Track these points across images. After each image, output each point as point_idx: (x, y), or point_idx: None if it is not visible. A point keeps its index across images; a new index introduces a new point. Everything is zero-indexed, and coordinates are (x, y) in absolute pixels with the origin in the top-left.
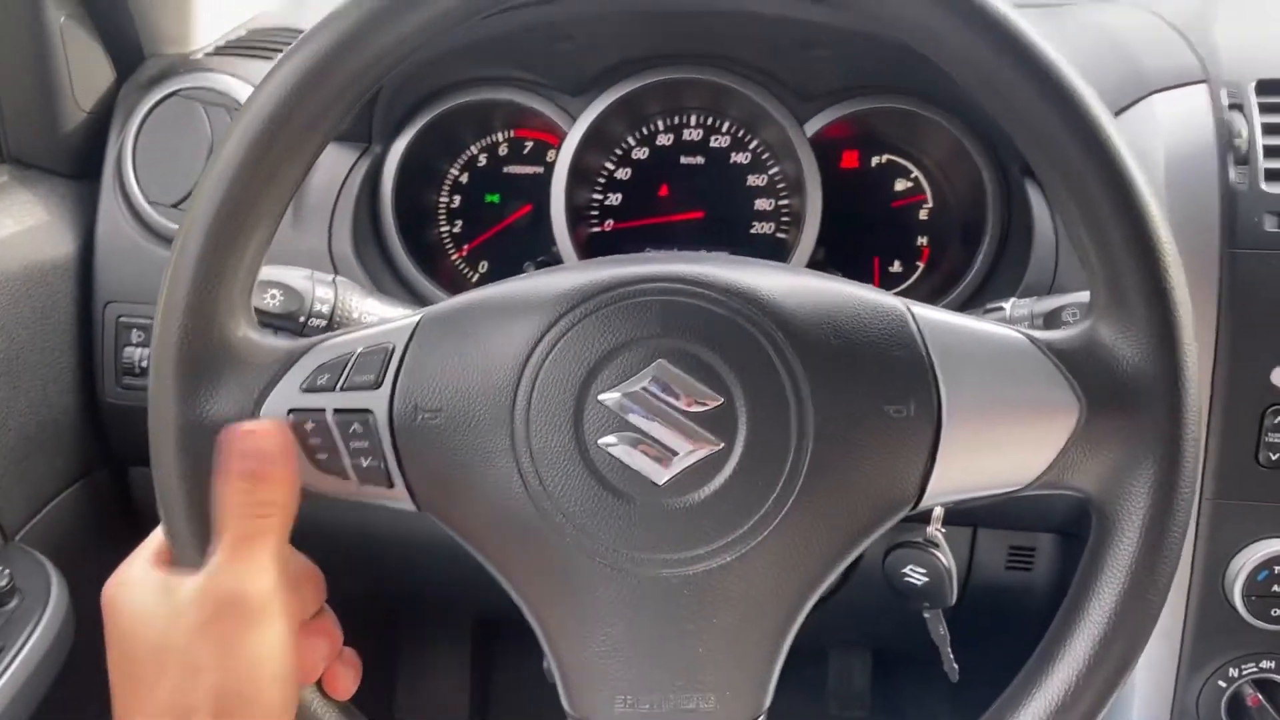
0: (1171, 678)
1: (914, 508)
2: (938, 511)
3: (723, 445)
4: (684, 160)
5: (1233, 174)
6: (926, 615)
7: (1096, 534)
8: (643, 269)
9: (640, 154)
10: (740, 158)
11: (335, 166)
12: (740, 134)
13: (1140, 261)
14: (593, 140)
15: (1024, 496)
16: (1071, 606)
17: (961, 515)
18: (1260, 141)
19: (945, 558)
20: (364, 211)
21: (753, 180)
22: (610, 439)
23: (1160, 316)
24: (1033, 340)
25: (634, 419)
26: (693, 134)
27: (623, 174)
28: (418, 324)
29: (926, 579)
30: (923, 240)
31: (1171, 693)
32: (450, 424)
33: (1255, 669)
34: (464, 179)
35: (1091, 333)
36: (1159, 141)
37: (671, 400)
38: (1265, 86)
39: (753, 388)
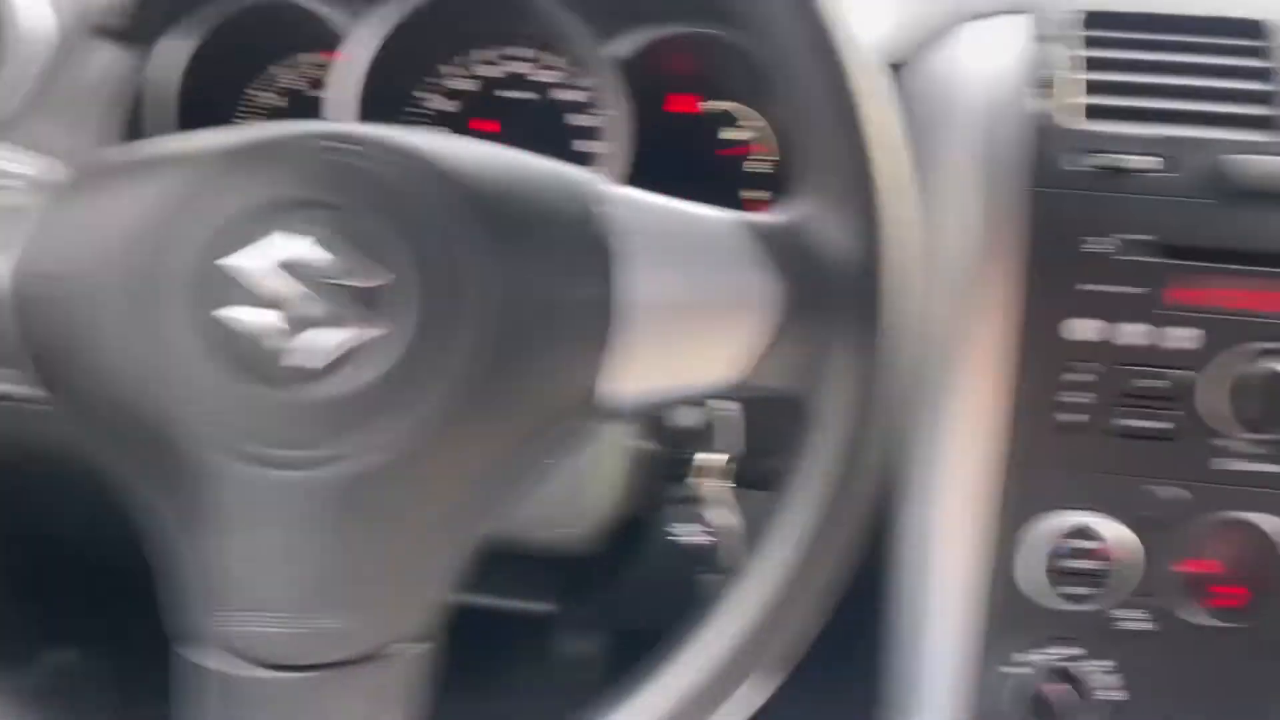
0: (966, 664)
1: (605, 409)
2: (711, 461)
3: (387, 330)
4: (507, 95)
5: (1043, 108)
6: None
7: (798, 437)
8: (301, 127)
9: (455, 84)
10: (568, 95)
11: (112, 66)
12: (556, 64)
13: (842, 134)
14: (385, 63)
15: None
16: (773, 515)
17: None
18: (1081, 76)
19: (723, 515)
20: (137, 119)
21: (576, 120)
22: (241, 312)
23: (862, 193)
24: (742, 222)
25: (274, 290)
26: (514, 66)
27: (439, 104)
28: (61, 183)
29: (709, 537)
30: (762, 195)
31: (967, 680)
32: (75, 294)
33: (1058, 655)
34: (269, 102)
35: (798, 213)
36: (969, 70)
37: (324, 272)
38: (1095, 19)
39: (425, 263)
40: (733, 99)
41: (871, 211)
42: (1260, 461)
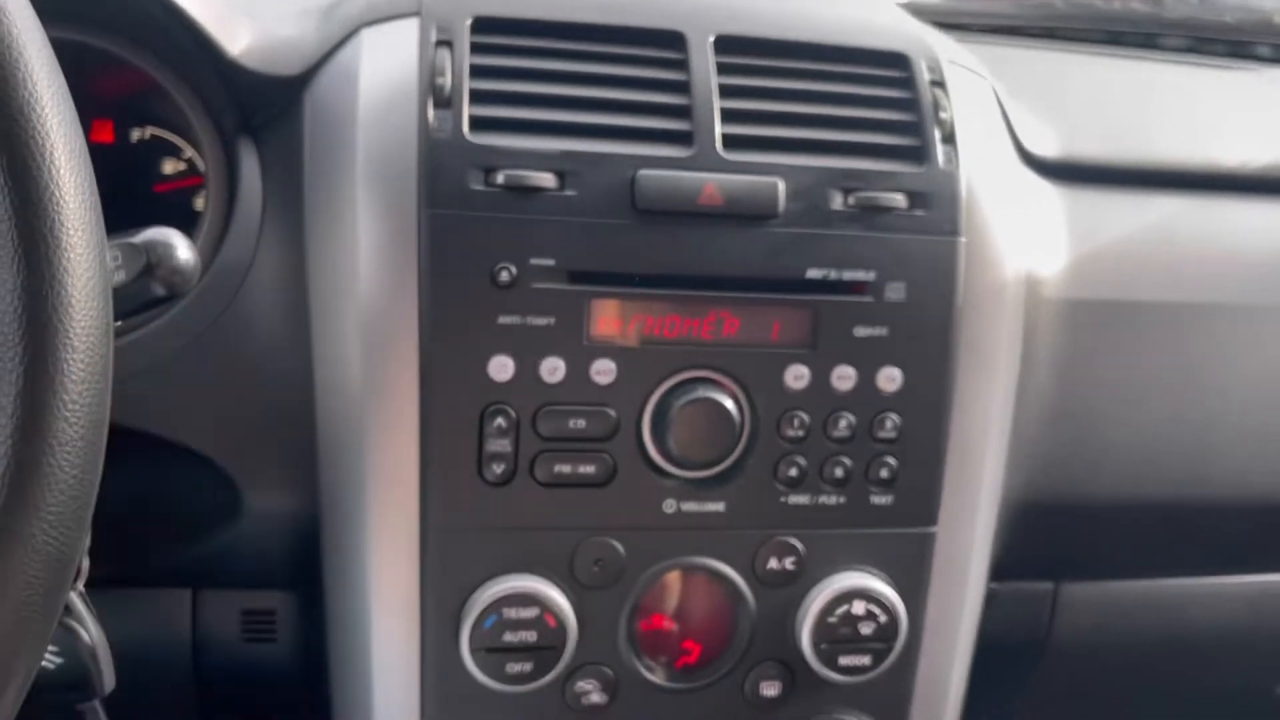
0: None
1: None
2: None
3: None
4: None
5: (434, 120)
6: (80, 709)
7: None
8: None
9: None
10: None
11: None
12: None
13: None
14: None
15: None
16: None
17: None
18: (467, 85)
19: (87, 630)
20: None
21: None
22: None
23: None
24: None
25: None
26: None
27: None
28: None
29: (60, 660)
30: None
31: None
32: None
33: None
34: None
35: None
36: (360, 81)
37: None
38: (481, 24)
39: None
40: (155, 124)
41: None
42: (699, 500)
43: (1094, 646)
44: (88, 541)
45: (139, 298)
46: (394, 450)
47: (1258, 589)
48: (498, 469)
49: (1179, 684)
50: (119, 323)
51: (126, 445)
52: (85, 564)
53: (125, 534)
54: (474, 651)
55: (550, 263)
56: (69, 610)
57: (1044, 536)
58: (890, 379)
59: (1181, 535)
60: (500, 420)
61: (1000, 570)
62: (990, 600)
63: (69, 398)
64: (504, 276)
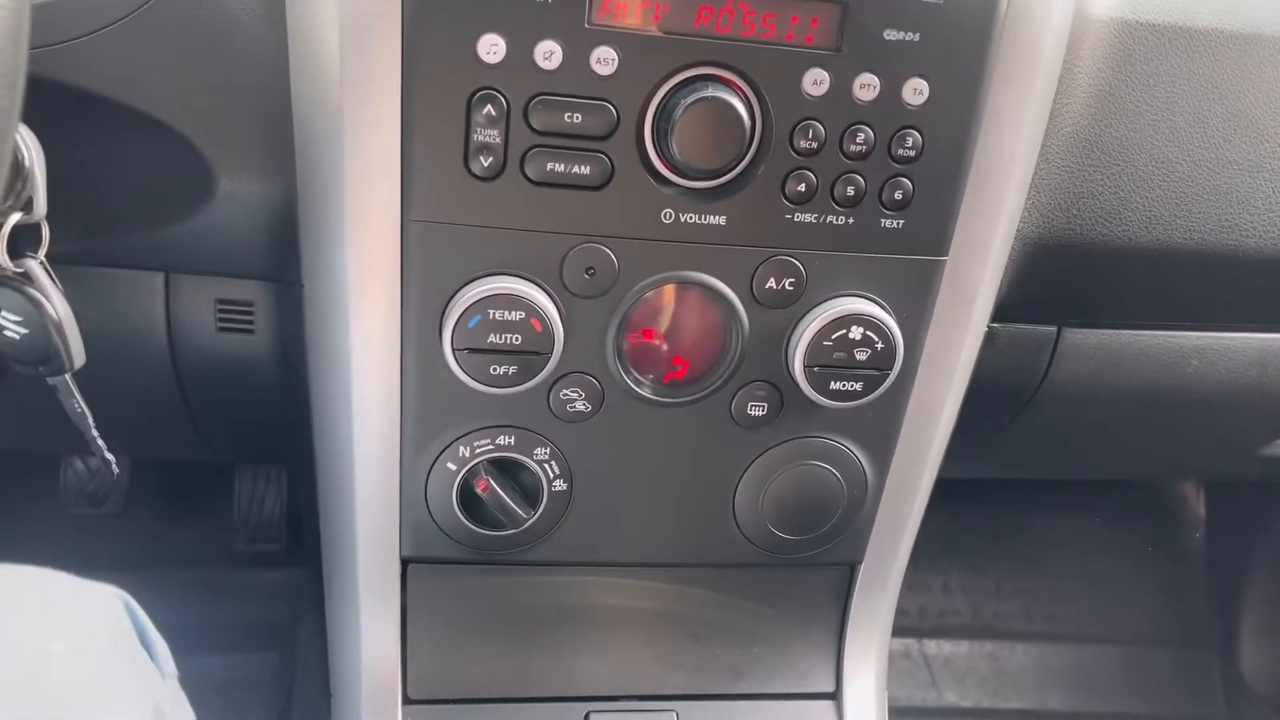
0: (394, 457)
1: None
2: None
3: None
4: None
5: None
6: (52, 383)
7: None
8: None
9: None
10: None
11: None
12: None
13: None
14: None
15: None
16: None
17: None
18: None
19: (51, 303)
20: None
21: None
22: None
23: None
24: None
25: None
26: None
27: None
28: None
29: (25, 332)
30: None
31: (396, 475)
32: None
33: (489, 445)
34: None
35: None
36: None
37: None
38: None
39: None
40: None
41: None
42: (700, 211)
43: (1087, 395)
44: (43, 203)
45: None
46: (374, 137)
47: (1266, 345)
48: (485, 162)
49: (1163, 437)
50: None
51: (91, 113)
52: (45, 231)
53: (93, 208)
54: (457, 351)
55: None
56: (32, 280)
57: (1054, 278)
58: (917, 91)
59: (1199, 286)
60: (490, 108)
61: (1002, 310)
62: (989, 340)
63: None
64: None
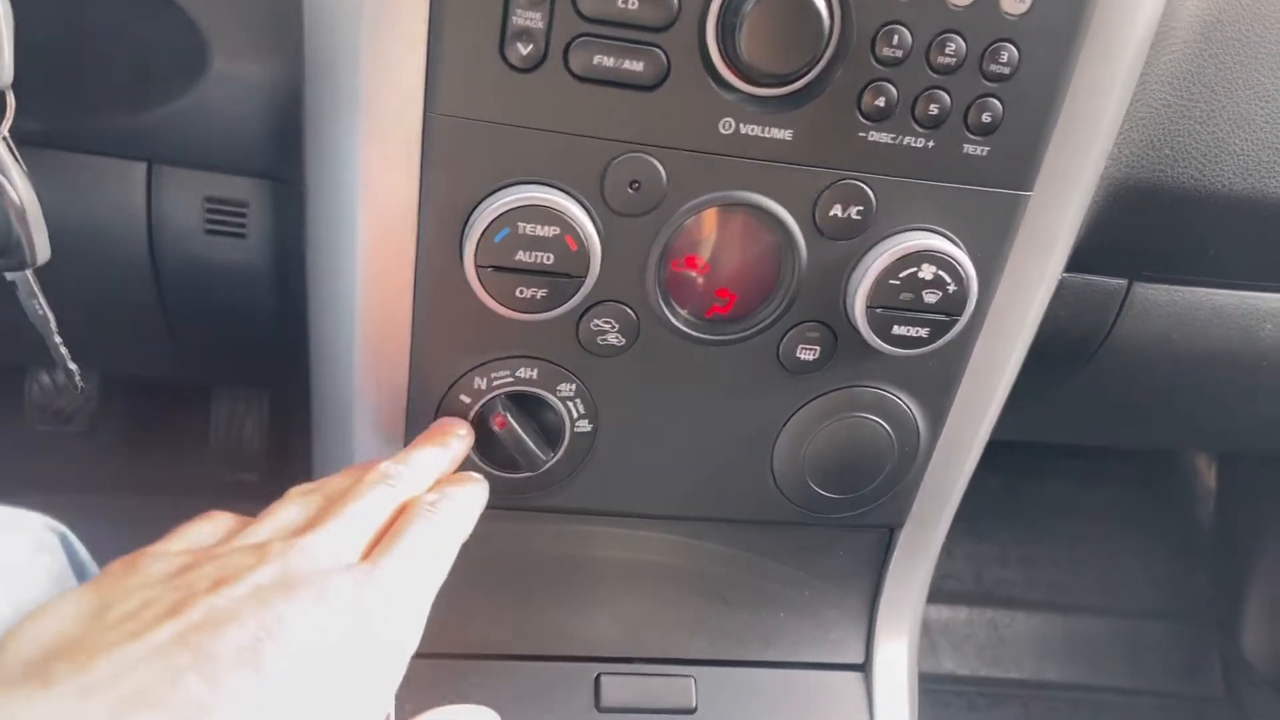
0: (402, 387)
1: None
2: None
3: None
4: None
5: None
6: (10, 279)
7: None
8: None
9: None
10: None
11: None
12: None
13: None
14: None
15: None
16: None
17: None
18: None
19: (14, 187)
20: None
21: None
22: None
23: None
24: None
25: None
26: None
27: None
28: None
29: None
30: None
31: (403, 408)
32: None
33: (509, 378)
34: None
35: None
36: None
37: None
38: None
39: None
40: None
41: None
42: (763, 123)
43: (1152, 356)
44: (9, 69)
45: None
46: (397, 14)
47: None
48: (524, 50)
49: (1226, 405)
50: None
51: None
52: (10, 101)
53: (65, 80)
54: (480, 268)
55: None
56: None
57: (1136, 225)
58: None
59: None
60: None
61: (1075, 258)
62: (1058, 291)
63: None
64: None
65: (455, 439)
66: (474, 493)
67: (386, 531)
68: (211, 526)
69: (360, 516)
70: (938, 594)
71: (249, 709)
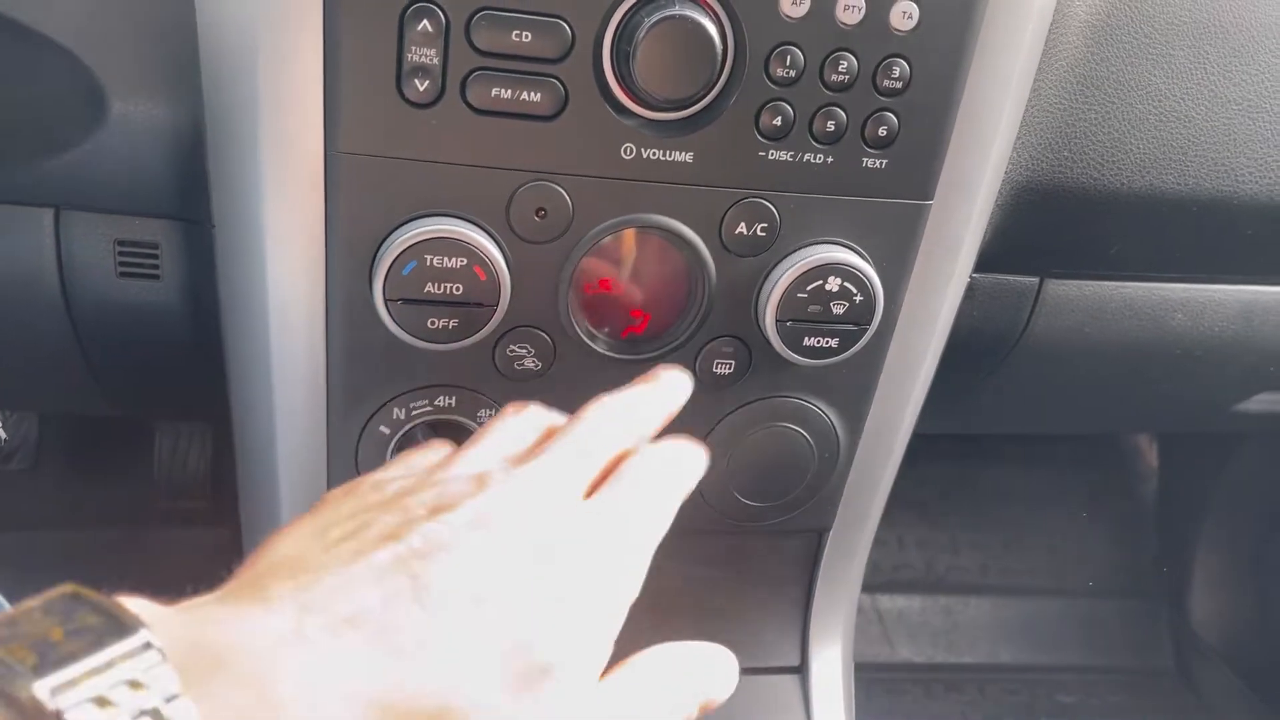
0: (321, 421)
1: None
2: None
3: None
4: None
5: None
6: None
7: None
8: None
9: None
10: None
11: None
12: None
13: None
14: None
15: None
16: None
17: None
18: None
19: None
20: None
21: None
22: None
23: None
24: None
25: None
26: None
27: None
28: None
29: None
30: None
31: (323, 441)
32: None
33: (427, 407)
34: None
35: None
36: None
37: None
38: None
39: None
40: None
41: None
42: (664, 146)
43: (1068, 349)
44: None
45: None
46: (292, 55)
47: (1253, 298)
48: (421, 86)
49: (1143, 391)
50: None
51: None
52: None
53: None
54: (389, 301)
55: None
56: None
57: (1041, 225)
58: (906, 15)
59: (1190, 234)
60: (426, 23)
61: (984, 260)
62: (970, 292)
63: None
64: None
65: (681, 390)
66: (700, 457)
67: (609, 473)
68: (432, 454)
69: (583, 453)
70: (891, 584)
71: (464, 641)
